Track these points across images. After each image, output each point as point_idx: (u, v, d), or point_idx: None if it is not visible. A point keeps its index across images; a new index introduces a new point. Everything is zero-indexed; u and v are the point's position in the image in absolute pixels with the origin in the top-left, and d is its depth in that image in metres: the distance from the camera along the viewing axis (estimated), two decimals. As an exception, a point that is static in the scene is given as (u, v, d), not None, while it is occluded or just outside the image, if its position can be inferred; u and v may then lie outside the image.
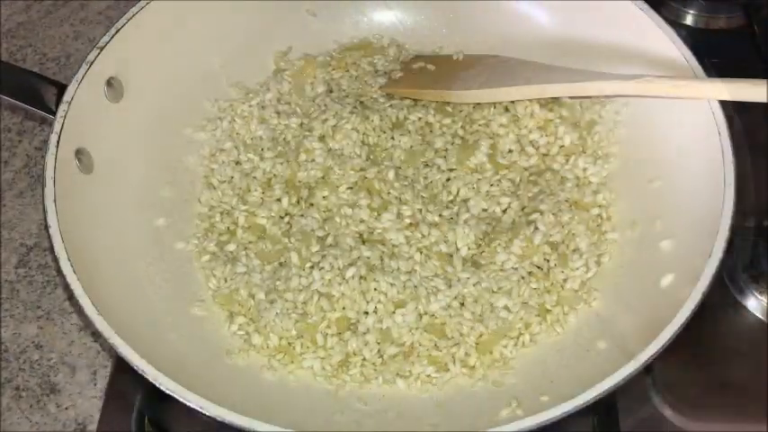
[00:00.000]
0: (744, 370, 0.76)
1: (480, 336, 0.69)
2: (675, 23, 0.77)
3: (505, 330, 0.70)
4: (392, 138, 0.79)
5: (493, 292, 0.71)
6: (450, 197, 0.76)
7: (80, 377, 0.79)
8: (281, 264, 0.74)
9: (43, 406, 0.77)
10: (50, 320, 0.83)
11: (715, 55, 0.77)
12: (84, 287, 0.62)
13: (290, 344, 0.70)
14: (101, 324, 0.60)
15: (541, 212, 0.74)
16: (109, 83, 0.76)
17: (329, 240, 0.74)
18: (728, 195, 0.66)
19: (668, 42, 0.76)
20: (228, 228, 0.77)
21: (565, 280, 0.72)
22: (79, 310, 0.62)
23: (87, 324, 0.62)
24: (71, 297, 0.61)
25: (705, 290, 0.61)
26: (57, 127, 0.70)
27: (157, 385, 0.58)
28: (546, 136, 0.79)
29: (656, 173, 0.75)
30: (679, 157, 0.74)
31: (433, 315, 0.70)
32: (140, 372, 0.58)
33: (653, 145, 0.77)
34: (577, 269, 0.72)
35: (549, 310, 0.71)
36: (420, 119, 0.80)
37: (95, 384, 0.78)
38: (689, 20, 0.99)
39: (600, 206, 0.76)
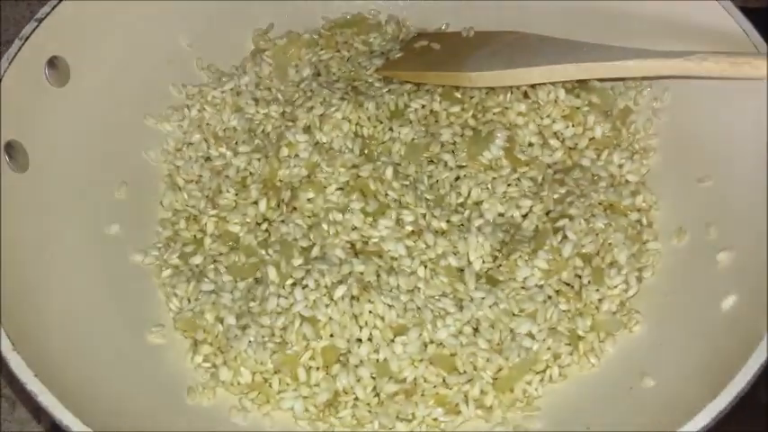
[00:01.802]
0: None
1: (498, 370, 0.63)
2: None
3: (529, 363, 0.63)
4: (390, 129, 0.74)
5: (513, 315, 0.65)
6: (460, 200, 0.71)
7: (21, 413, 0.72)
8: (256, 280, 0.68)
9: (-24, 447, 0.71)
10: None
11: None
12: (3, 313, 0.54)
13: (265, 380, 0.63)
14: (15, 363, 0.51)
15: (570, 218, 0.68)
16: (51, 63, 0.69)
17: (315, 252, 0.67)
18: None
19: (721, 11, 0.68)
20: (195, 236, 0.72)
21: (600, 300, 0.66)
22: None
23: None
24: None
25: None
26: None
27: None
28: (573, 126, 0.75)
29: (707, 170, 0.69)
30: (735, 150, 0.68)
31: (440, 344, 0.64)
32: (63, 428, 0.48)
33: (701, 137, 0.71)
34: (615, 287, 0.66)
35: (581, 338, 0.65)
36: (423, 106, 0.75)
37: (39, 421, 0.72)
38: (724, -3, 0.95)
39: (640, 210, 0.71)
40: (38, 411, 0.72)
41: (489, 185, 0.70)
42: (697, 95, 0.71)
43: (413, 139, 0.72)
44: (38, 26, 0.66)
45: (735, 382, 0.49)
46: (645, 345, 0.63)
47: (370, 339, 0.63)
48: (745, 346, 0.52)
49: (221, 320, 0.65)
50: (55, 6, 0.68)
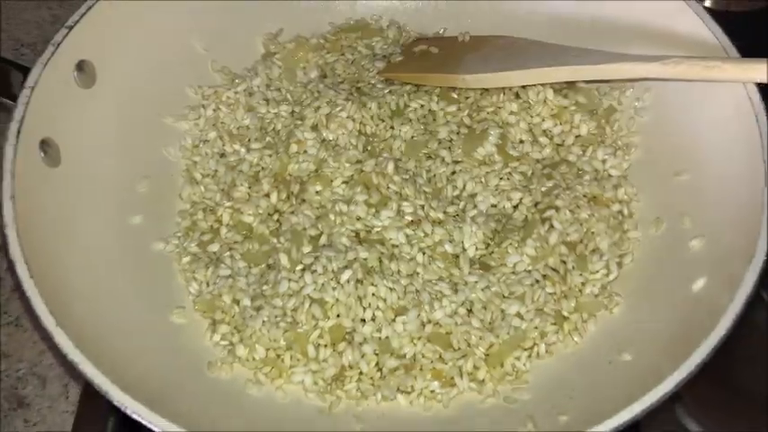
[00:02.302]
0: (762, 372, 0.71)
1: (490, 346, 0.66)
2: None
3: (518, 340, 0.66)
4: (392, 127, 0.76)
5: (504, 297, 0.67)
6: (456, 192, 0.73)
7: (51, 390, 0.76)
8: (268, 266, 0.70)
9: (10, 422, 0.73)
10: (19, 327, 0.79)
11: (737, 38, 0.72)
12: (44, 294, 0.57)
13: (278, 356, 0.66)
14: (60, 337, 0.55)
15: (557, 209, 0.70)
16: (79, 67, 0.72)
17: (322, 240, 0.70)
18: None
19: (695, 19, 0.72)
20: (212, 226, 0.73)
21: (583, 284, 0.69)
22: (36, 322, 0.56)
23: (44, 337, 0.56)
24: (28, 307, 0.55)
25: (747, 297, 0.56)
26: (18, 114, 0.65)
27: (123, 409, 0.52)
28: (560, 124, 0.77)
29: (683, 165, 0.72)
30: (709, 146, 0.70)
31: (437, 323, 0.66)
32: (103, 393, 0.53)
33: (679, 134, 0.73)
34: (597, 272, 0.69)
35: (566, 318, 0.67)
36: (422, 106, 0.77)
37: (67, 397, 0.75)
38: (708, 2, 0.96)
39: (621, 202, 0.73)
40: (67, 387, 0.75)
41: (483, 179, 0.72)
42: (675, 96, 0.73)
43: (412, 137, 0.75)
44: (68, 33, 0.69)
45: (698, 351, 0.53)
46: (623, 324, 0.66)
47: (373, 319, 0.66)
48: (712, 323, 0.56)
49: (237, 302, 0.67)
50: (84, 14, 0.71)
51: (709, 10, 0.90)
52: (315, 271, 0.67)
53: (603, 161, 0.74)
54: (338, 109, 0.75)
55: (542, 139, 0.75)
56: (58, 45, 0.69)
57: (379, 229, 0.70)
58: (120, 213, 0.72)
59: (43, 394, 0.75)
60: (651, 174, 0.73)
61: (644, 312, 0.66)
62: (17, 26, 1.02)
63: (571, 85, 0.77)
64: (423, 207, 0.71)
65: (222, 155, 0.77)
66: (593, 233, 0.70)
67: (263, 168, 0.75)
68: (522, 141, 0.75)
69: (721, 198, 0.66)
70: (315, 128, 0.75)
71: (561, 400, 0.62)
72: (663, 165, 0.73)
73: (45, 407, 0.74)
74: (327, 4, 0.85)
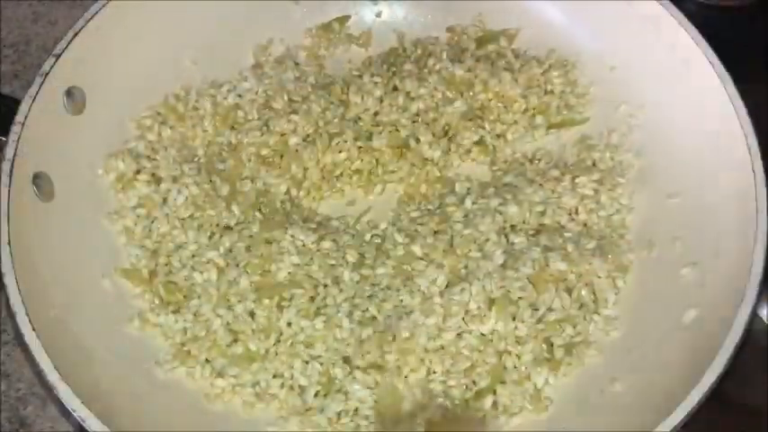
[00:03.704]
0: (757, 386, 0.71)
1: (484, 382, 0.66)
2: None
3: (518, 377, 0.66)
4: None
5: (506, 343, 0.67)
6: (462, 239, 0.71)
7: (52, 410, 0.75)
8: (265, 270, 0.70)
9: (13, 442, 0.75)
10: (18, 346, 0.78)
11: (725, 33, 0.73)
12: (29, 310, 0.60)
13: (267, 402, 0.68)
14: (37, 351, 0.58)
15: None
16: (68, 93, 0.71)
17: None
18: (762, 220, 0.61)
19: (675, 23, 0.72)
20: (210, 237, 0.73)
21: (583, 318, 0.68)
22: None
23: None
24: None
25: (738, 342, 0.56)
26: (9, 153, 0.65)
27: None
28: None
29: (676, 187, 0.71)
30: (702, 170, 0.69)
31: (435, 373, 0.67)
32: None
33: (672, 155, 0.73)
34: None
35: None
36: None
37: (68, 418, 0.74)
38: (699, -6, 0.95)
39: (611, 227, 0.72)
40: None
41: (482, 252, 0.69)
42: (670, 116, 0.72)
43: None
44: (56, 62, 0.68)
45: (688, 400, 0.53)
46: (617, 350, 0.65)
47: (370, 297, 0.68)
48: (700, 361, 0.56)
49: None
50: (70, 41, 0.70)
51: (699, 4, 0.91)
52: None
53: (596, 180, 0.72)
54: (322, 123, 0.76)
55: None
56: (46, 75, 0.68)
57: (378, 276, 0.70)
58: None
59: (44, 415, 0.75)
60: (644, 194, 0.72)
61: (636, 339, 0.65)
62: (-3, 25, 1.00)
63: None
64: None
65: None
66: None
67: (258, 183, 0.75)
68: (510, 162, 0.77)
69: (713, 226, 0.66)
70: (307, 139, 0.76)
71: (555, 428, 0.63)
72: (655, 186, 0.72)
73: (47, 427, 0.75)
74: (316, 20, 0.84)
